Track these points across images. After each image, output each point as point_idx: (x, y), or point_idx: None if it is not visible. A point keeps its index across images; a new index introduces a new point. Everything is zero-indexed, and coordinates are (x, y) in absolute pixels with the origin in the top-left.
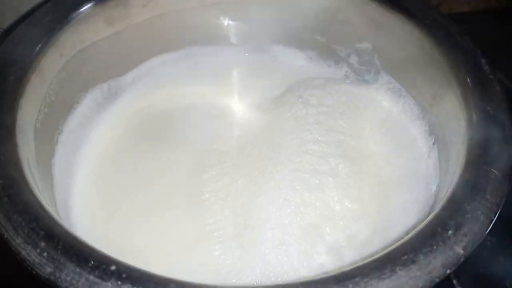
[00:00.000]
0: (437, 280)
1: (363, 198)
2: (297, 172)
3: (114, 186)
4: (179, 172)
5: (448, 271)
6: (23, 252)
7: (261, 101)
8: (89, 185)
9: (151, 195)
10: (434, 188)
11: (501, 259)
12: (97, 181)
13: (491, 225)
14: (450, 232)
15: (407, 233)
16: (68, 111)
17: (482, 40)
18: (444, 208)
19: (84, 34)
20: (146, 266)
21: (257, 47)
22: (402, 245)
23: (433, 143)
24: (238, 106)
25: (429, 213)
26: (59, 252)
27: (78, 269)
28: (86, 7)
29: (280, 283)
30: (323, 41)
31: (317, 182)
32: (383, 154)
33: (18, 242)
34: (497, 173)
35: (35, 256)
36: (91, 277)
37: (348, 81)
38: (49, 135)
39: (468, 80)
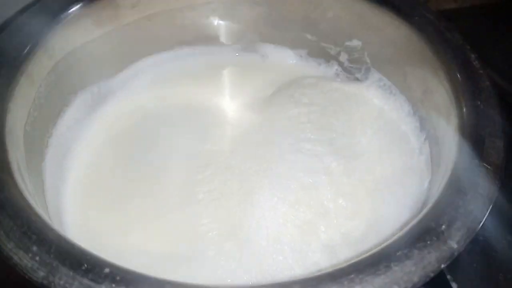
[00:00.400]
0: (432, 275)
1: (357, 195)
2: (291, 171)
3: (106, 189)
4: (172, 173)
5: (442, 266)
6: (15, 257)
7: (253, 101)
8: (81, 188)
9: (143, 196)
10: (426, 184)
11: (494, 253)
12: (88, 183)
13: (485, 219)
14: (443, 227)
15: (401, 228)
16: (58, 113)
17: (469, 36)
18: (437, 203)
19: (73, 36)
20: (140, 268)
21: (247, 47)
22: (396, 241)
23: (425, 139)
24: (230, 106)
25: (422, 208)
26: (51, 256)
27: (71, 273)
28: (74, 8)
29: (275, 281)
30: (313, 39)
31: (311, 180)
32: (376, 151)
33: (10, 247)
34: (489, 167)
35: (28, 260)
36: (85, 281)
37: (339, 79)
38: (39, 138)
39: (458, 75)
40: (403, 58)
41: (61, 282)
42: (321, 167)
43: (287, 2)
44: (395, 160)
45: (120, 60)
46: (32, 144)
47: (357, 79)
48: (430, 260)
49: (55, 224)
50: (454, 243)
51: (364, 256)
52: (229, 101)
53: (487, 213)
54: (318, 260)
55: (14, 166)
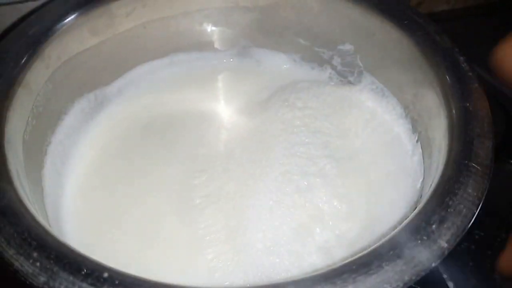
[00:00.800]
0: (423, 274)
1: (351, 197)
2: (286, 174)
3: (104, 195)
4: (169, 178)
5: (433, 264)
6: (16, 263)
7: (248, 105)
8: (79, 195)
9: (141, 202)
10: (419, 184)
11: (489, 251)
12: (87, 190)
13: (474, 217)
14: (433, 226)
15: (394, 228)
16: (56, 122)
17: (462, 37)
18: (428, 203)
19: (69, 45)
20: (139, 272)
21: (241, 52)
22: (388, 241)
23: (417, 141)
24: (225, 111)
25: (415, 208)
26: (52, 261)
27: (71, 278)
28: (70, 18)
29: (270, 283)
30: (306, 44)
31: (306, 183)
32: (369, 153)
33: (11, 254)
34: (478, 167)
35: (28, 266)
36: (85, 285)
37: (332, 83)
38: (37, 146)
39: (447, 77)
40: (394, 61)
41: (62, 287)
42: (315, 170)
43: (279, 7)
44: (389, 161)
45: (116, 68)
46: (31, 153)
47: (350, 83)
48: (420, 259)
49: (55, 230)
50: (444, 242)
51: (356, 256)
52: (224, 106)
53: (477, 212)
54: (314, 261)
55: (14, 174)
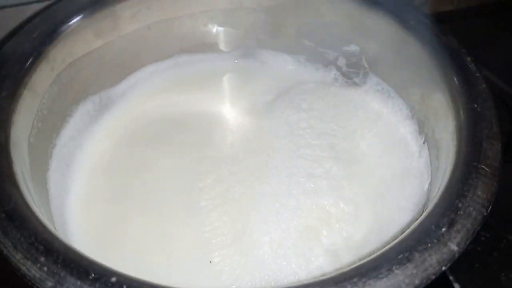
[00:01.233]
0: (433, 277)
1: (358, 199)
2: (292, 177)
3: (110, 198)
4: (175, 181)
5: (443, 268)
6: (23, 268)
7: (253, 107)
8: (85, 197)
9: (147, 205)
10: (426, 186)
11: (495, 253)
12: (92, 193)
13: (484, 221)
14: (443, 229)
15: (402, 231)
16: (61, 124)
17: (466, 38)
18: (437, 206)
19: (74, 47)
20: (145, 276)
21: (246, 53)
22: (398, 244)
23: (424, 142)
24: (230, 112)
25: (423, 210)
26: (59, 266)
27: (79, 282)
28: (74, 20)
29: (278, 287)
30: (311, 45)
31: (312, 185)
32: (375, 155)
33: (18, 258)
34: (487, 169)
35: (35, 271)
36: None
37: (338, 84)
38: (43, 149)
39: (455, 78)
40: (401, 62)
41: None
42: (322, 172)
43: (284, 8)
44: (395, 163)
45: (121, 70)
46: (37, 155)
47: (355, 84)
48: (431, 262)
49: (61, 234)
50: (454, 245)
51: (366, 260)
52: (230, 107)
53: (487, 215)
54: (321, 264)
55: (20, 178)
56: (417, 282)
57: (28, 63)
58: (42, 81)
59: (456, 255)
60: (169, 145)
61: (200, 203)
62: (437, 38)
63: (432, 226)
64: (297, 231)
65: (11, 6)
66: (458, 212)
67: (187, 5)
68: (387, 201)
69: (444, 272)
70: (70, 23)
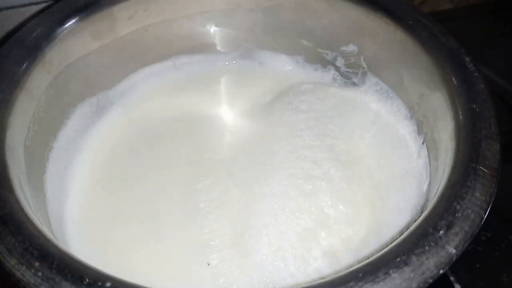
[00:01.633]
0: (431, 281)
1: (357, 201)
2: (291, 178)
3: (108, 201)
4: (173, 183)
5: (441, 271)
6: (18, 273)
7: (251, 108)
8: (82, 201)
9: (145, 207)
10: (425, 187)
11: (496, 253)
12: (90, 196)
13: (482, 222)
14: (441, 232)
15: (401, 233)
16: (58, 127)
17: (466, 36)
18: (435, 208)
19: (71, 49)
20: (142, 280)
21: (244, 54)
22: (395, 247)
23: (422, 142)
24: (229, 114)
25: (422, 212)
26: (53, 271)
27: (73, 287)
28: (71, 22)
29: None
30: (309, 45)
31: (311, 187)
32: (374, 156)
33: (12, 263)
34: (485, 170)
35: (30, 276)
36: None
37: (336, 84)
38: (39, 152)
39: (453, 78)
40: (399, 62)
41: None
42: (320, 173)
43: (282, 9)
44: (394, 164)
45: (118, 71)
46: (33, 158)
47: (354, 84)
48: (428, 266)
49: (57, 237)
50: (452, 248)
51: (363, 263)
52: (228, 109)
53: (485, 217)
54: (320, 266)
55: (15, 182)
56: (414, 285)
57: (24, 66)
58: (39, 83)
59: (454, 258)
60: (167, 147)
61: (198, 205)
62: (436, 38)
63: (430, 229)
64: (295, 233)
65: (8, 8)
66: (456, 215)
67: (185, 6)
68: (386, 202)
69: (445, 273)
70: (67, 25)
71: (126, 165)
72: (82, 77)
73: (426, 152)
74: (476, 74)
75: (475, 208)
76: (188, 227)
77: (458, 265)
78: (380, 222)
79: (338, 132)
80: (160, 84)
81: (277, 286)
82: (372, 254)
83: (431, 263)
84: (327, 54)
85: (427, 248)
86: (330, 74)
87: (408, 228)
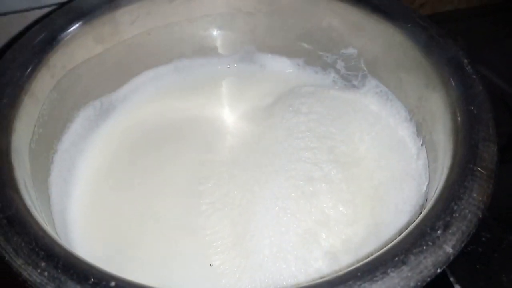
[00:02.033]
0: (428, 280)
1: (357, 202)
2: (292, 180)
3: (111, 202)
4: (175, 185)
5: (438, 270)
6: (25, 273)
7: (252, 111)
8: (86, 202)
9: (147, 209)
10: (424, 188)
11: (496, 254)
12: (93, 198)
13: (479, 223)
14: (439, 232)
15: (400, 233)
16: (62, 130)
17: (467, 38)
18: (433, 208)
19: (74, 53)
20: (146, 280)
21: (245, 57)
22: (393, 247)
23: (422, 144)
24: (230, 116)
25: (421, 212)
26: (59, 271)
27: (78, 287)
28: (74, 27)
29: None
30: (310, 48)
31: (311, 189)
32: (374, 158)
33: (19, 264)
34: (483, 171)
35: (37, 276)
36: None
37: (337, 87)
38: (44, 155)
39: (452, 81)
40: (398, 65)
41: None
42: (321, 175)
43: (282, 12)
44: (394, 166)
45: (121, 75)
46: (38, 161)
47: (354, 86)
48: (426, 265)
49: (62, 239)
50: (450, 247)
51: (361, 262)
52: (229, 111)
53: (482, 217)
54: (320, 267)
55: (21, 184)
56: (412, 284)
57: (28, 70)
58: (43, 87)
59: (451, 258)
60: (170, 150)
61: (200, 207)
62: (434, 41)
63: (428, 229)
64: (296, 234)
65: (13, 12)
66: (454, 215)
67: (186, 10)
68: (386, 204)
69: (445, 273)
70: (70, 29)
71: (128, 168)
72: (86, 81)
73: (425, 154)
74: (474, 76)
75: (472, 208)
76: (190, 229)
77: (458, 266)
78: (379, 222)
79: (339, 134)
80: (162, 87)
81: (278, 287)
82: (372, 254)
83: (428, 262)
84: (327, 57)
85: (424, 247)
86: (330, 76)
87: (407, 229)
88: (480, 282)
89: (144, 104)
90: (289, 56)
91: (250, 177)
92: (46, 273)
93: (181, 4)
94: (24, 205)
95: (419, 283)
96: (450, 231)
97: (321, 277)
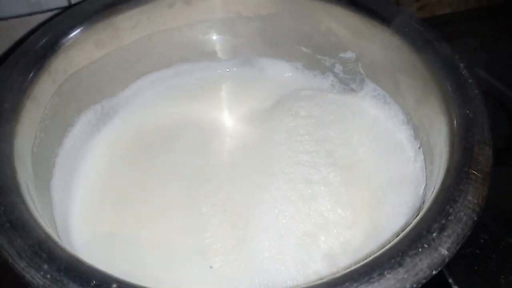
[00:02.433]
0: (424, 281)
1: (355, 204)
2: (291, 183)
3: (112, 206)
4: (176, 188)
5: (434, 272)
6: (28, 276)
7: (252, 114)
8: (88, 205)
9: (149, 212)
10: (421, 191)
11: (494, 255)
12: (94, 200)
13: (474, 225)
14: (434, 234)
15: (397, 235)
16: (63, 134)
17: (465, 40)
18: (428, 211)
19: (75, 58)
20: (146, 282)
21: (244, 61)
22: (390, 249)
23: (419, 147)
24: (230, 120)
25: (418, 214)
26: (62, 273)
27: None
28: (75, 32)
29: None
30: (308, 52)
31: (310, 191)
32: (372, 161)
33: (22, 266)
34: (478, 174)
35: (39, 278)
36: None
37: (335, 91)
38: (46, 158)
39: (448, 84)
40: (396, 69)
41: None
42: (319, 178)
43: (281, 17)
44: (391, 168)
45: (122, 79)
46: (40, 165)
47: (352, 90)
48: (422, 267)
49: (63, 242)
50: (445, 249)
51: (358, 264)
52: (229, 115)
53: (477, 219)
54: (319, 269)
55: (24, 187)
56: (408, 286)
57: (30, 75)
58: (44, 92)
59: (447, 260)
60: (170, 153)
61: (201, 210)
62: (431, 45)
63: (423, 231)
64: (295, 236)
65: (14, 17)
66: (449, 217)
67: (186, 15)
68: (384, 206)
69: (443, 275)
70: (71, 34)
71: (129, 171)
72: (87, 85)
73: (423, 157)
74: (470, 80)
75: (468, 211)
76: (191, 231)
77: (457, 268)
78: (377, 225)
79: (337, 137)
80: (162, 91)
81: None
82: (369, 257)
83: (424, 264)
84: (325, 60)
85: (420, 249)
86: (328, 80)
87: (404, 231)
88: (478, 284)
89: (145, 108)
90: (288, 60)
91: (250, 180)
92: (48, 276)
93: (181, 9)
94: (27, 208)
95: (414, 285)
96: (445, 234)
97: (320, 279)
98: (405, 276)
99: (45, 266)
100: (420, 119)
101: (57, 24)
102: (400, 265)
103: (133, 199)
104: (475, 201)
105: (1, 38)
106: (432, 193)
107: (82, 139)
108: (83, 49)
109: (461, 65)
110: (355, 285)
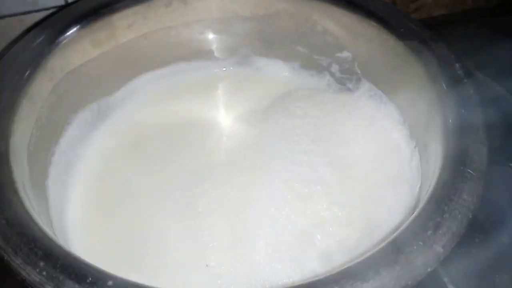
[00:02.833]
0: (419, 279)
1: (351, 204)
2: (287, 182)
3: (108, 204)
4: (172, 187)
5: (429, 270)
6: (24, 273)
7: (249, 114)
8: (84, 204)
9: (145, 210)
10: (417, 189)
11: (489, 255)
12: (91, 199)
13: (469, 223)
14: (429, 232)
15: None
16: (60, 132)
17: (461, 42)
18: (424, 209)
19: (72, 57)
20: (142, 280)
21: (241, 60)
22: (385, 246)
23: (415, 146)
24: (226, 119)
25: (413, 213)
26: (57, 270)
27: (76, 286)
28: (72, 31)
29: None
30: (305, 52)
31: (307, 191)
32: (368, 160)
33: (18, 263)
34: (473, 173)
35: (35, 275)
36: None
37: (331, 90)
38: (42, 157)
39: (443, 84)
40: (391, 68)
41: None
42: (316, 177)
43: (278, 16)
44: (387, 168)
45: (118, 78)
46: (36, 163)
47: (348, 89)
48: (417, 264)
49: (59, 239)
50: (440, 247)
51: (354, 262)
52: (225, 114)
53: (472, 217)
54: (315, 267)
55: (20, 185)
56: (403, 283)
57: (27, 73)
58: (41, 90)
59: (442, 257)
60: (166, 152)
61: (197, 209)
62: (426, 45)
63: (419, 229)
64: (292, 235)
65: (10, 15)
66: (444, 216)
67: (183, 14)
68: (380, 205)
69: (439, 274)
70: (68, 33)
71: (126, 170)
72: (83, 84)
73: (418, 156)
74: (465, 80)
75: (462, 209)
76: (187, 230)
77: (452, 267)
78: (373, 224)
79: (333, 137)
80: (159, 91)
81: (273, 287)
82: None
83: (419, 262)
84: (322, 60)
85: (415, 247)
86: (325, 80)
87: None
88: (474, 283)
89: (141, 107)
90: (284, 60)
91: (246, 179)
92: (44, 273)
93: (177, 9)
94: (23, 206)
95: (410, 282)
96: (440, 232)
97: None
98: (401, 273)
99: (41, 263)
100: (416, 118)
101: (54, 23)
102: (396, 262)
103: (129, 197)
104: (470, 199)
105: None
106: (427, 192)
107: (78, 137)
108: (79, 48)
109: (457, 65)
110: (350, 282)
